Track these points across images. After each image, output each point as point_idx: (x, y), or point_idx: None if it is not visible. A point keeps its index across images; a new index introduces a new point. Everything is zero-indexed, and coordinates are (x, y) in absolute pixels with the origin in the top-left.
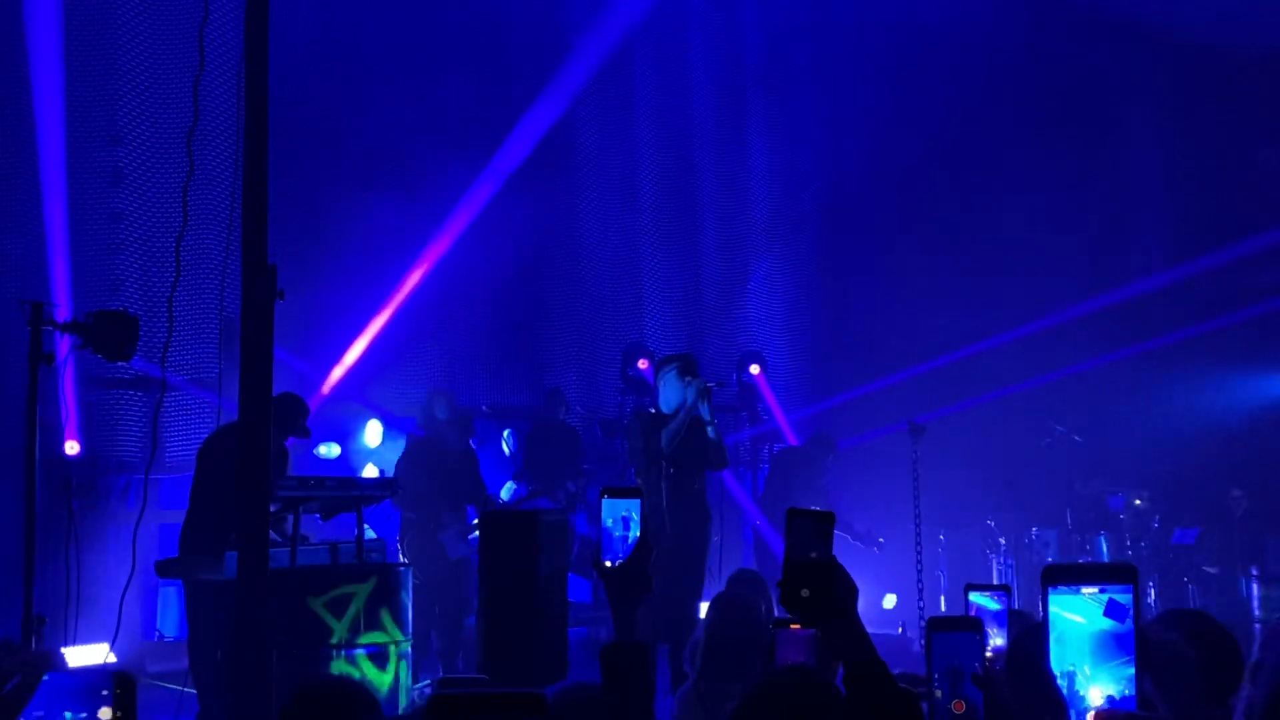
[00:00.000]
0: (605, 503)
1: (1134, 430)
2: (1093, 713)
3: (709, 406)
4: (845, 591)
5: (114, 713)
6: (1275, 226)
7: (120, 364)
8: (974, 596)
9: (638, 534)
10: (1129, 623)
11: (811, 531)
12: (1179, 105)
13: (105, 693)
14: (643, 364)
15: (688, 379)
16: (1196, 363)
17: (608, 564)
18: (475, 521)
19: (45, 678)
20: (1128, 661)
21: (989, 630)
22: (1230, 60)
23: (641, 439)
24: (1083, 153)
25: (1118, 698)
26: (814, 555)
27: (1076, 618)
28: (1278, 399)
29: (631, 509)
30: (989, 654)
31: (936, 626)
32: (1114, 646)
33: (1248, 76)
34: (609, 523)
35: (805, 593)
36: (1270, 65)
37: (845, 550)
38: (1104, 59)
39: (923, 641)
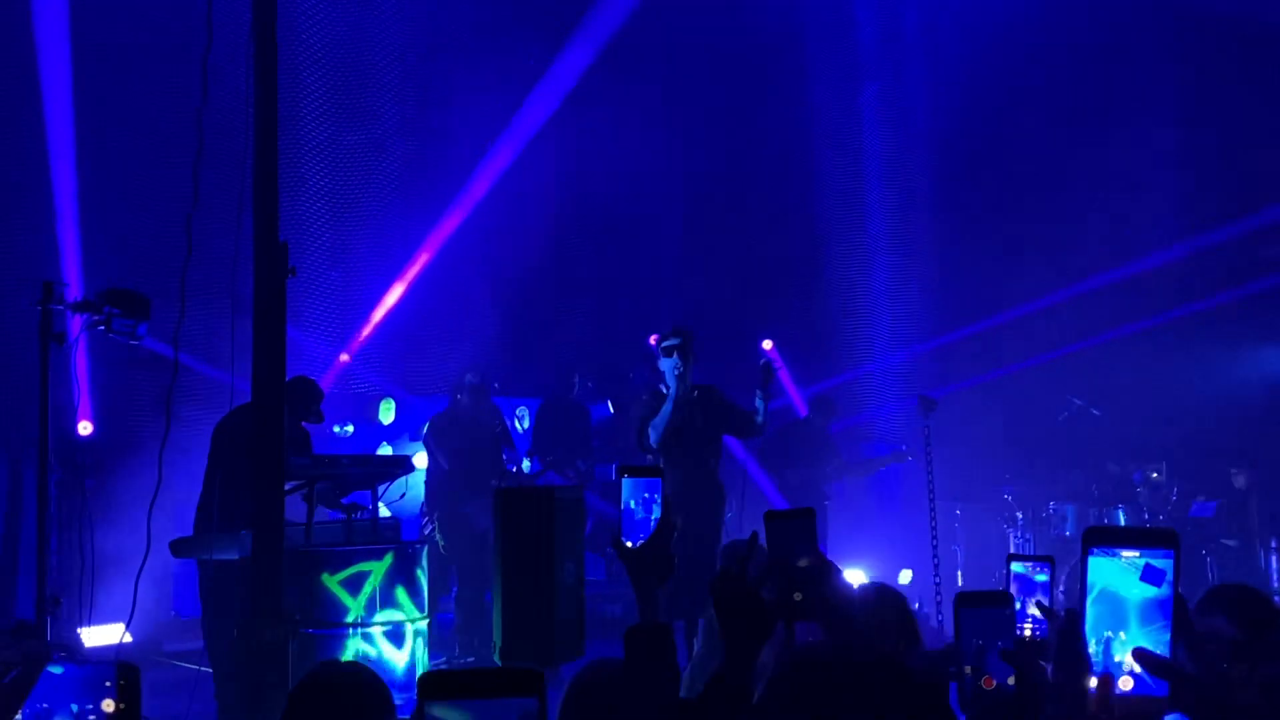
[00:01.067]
0: (626, 482)
1: (1151, 403)
2: (1129, 653)
3: (762, 391)
4: (835, 589)
5: (117, 704)
6: None
7: (132, 343)
8: (1016, 566)
9: (659, 514)
10: (1166, 588)
11: (793, 532)
12: (1195, 78)
13: (109, 684)
14: (653, 339)
15: (674, 360)
16: (1214, 335)
17: (629, 545)
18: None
19: (48, 669)
20: (1165, 627)
21: (1029, 600)
22: (1248, 30)
23: (640, 421)
24: (1097, 128)
25: None
26: (803, 558)
27: (1118, 581)
28: None
29: (653, 489)
30: (1029, 626)
31: (965, 602)
32: (1155, 611)
33: (1265, 47)
34: (631, 504)
35: (798, 596)
36: None
37: (868, 519)
38: (1119, 32)
39: (940, 616)
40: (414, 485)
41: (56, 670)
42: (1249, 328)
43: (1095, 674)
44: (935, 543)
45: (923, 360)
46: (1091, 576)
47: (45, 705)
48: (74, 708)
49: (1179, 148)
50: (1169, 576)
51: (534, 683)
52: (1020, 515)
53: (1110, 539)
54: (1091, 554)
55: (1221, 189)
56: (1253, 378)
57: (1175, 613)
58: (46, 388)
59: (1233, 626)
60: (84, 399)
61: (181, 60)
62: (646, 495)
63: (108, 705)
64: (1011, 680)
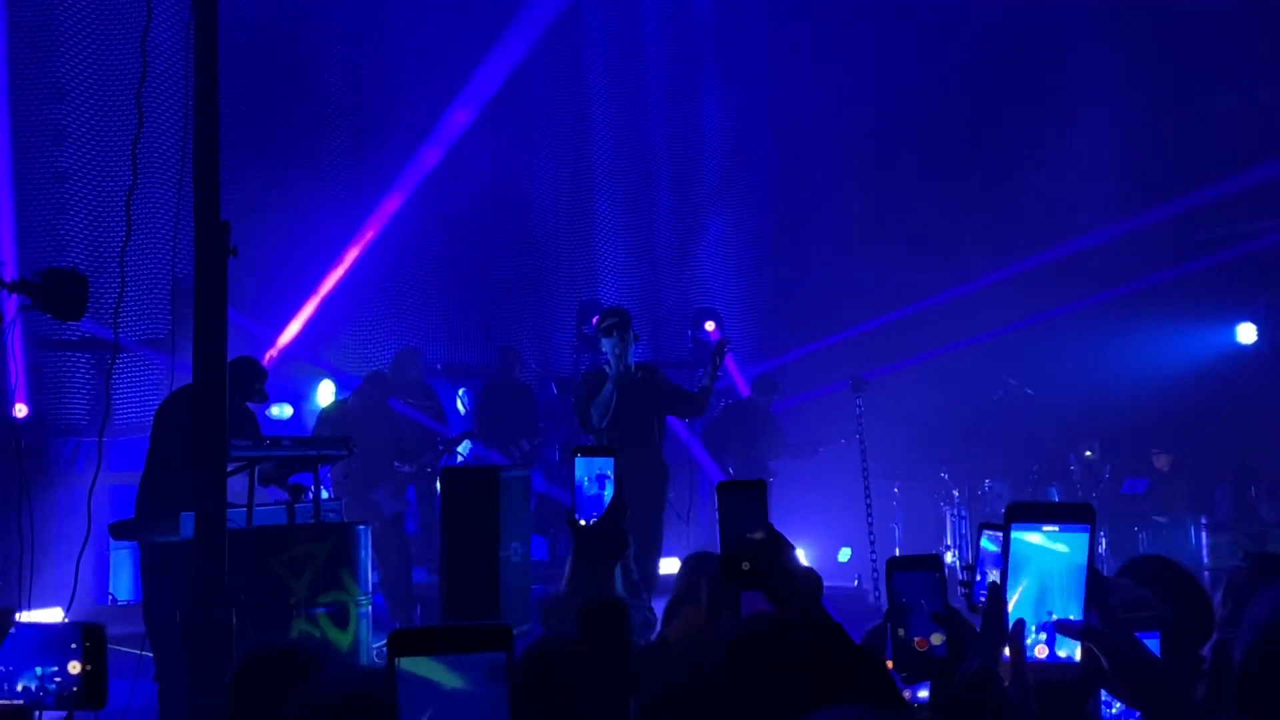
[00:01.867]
0: (579, 461)
1: (1083, 382)
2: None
3: (711, 370)
4: (786, 560)
5: (83, 665)
6: (1221, 180)
7: (68, 325)
8: (985, 542)
9: (611, 493)
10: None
11: (745, 502)
12: (1128, 58)
13: (74, 645)
14: (596, 321)
15: (613, 340)
16: (1146, 316)
17: (582, 523)
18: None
19: (12, 632)
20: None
21: (987, 570)
22: (1182, 9)
23: (583, 401)
24: (1030, 107)
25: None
26: (753, 528)
27: (1058, 558)
28: (1224, 350)
29: (605, 468)
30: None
31: (896, 566)
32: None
33: (1199, 26)
34: (585, 481)
35: (746, 565)
36: (1221, 14)
37: (810, 494)
38: (1053, 10)
39: (878, 593)
40: None
41: (20, 633)
42: (1180, 309)
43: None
44: (871, 520)
45: (860, 341)
46: (1019, 553)
47: (9, 668)
48: (38, 670)
49: (1112, 130)
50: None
51: (503, 637)
52: (956, 493)
53: (1031, 515)
54: (1014, 529)
55: (1154, 171)
56: (1184, 358)
57: (1089, 581)
58: None
59: (1156, 598)
60: (20, 381)
61: (119, 37)
62: (599, 473)
63: (74, 667)
64: (942, 641)
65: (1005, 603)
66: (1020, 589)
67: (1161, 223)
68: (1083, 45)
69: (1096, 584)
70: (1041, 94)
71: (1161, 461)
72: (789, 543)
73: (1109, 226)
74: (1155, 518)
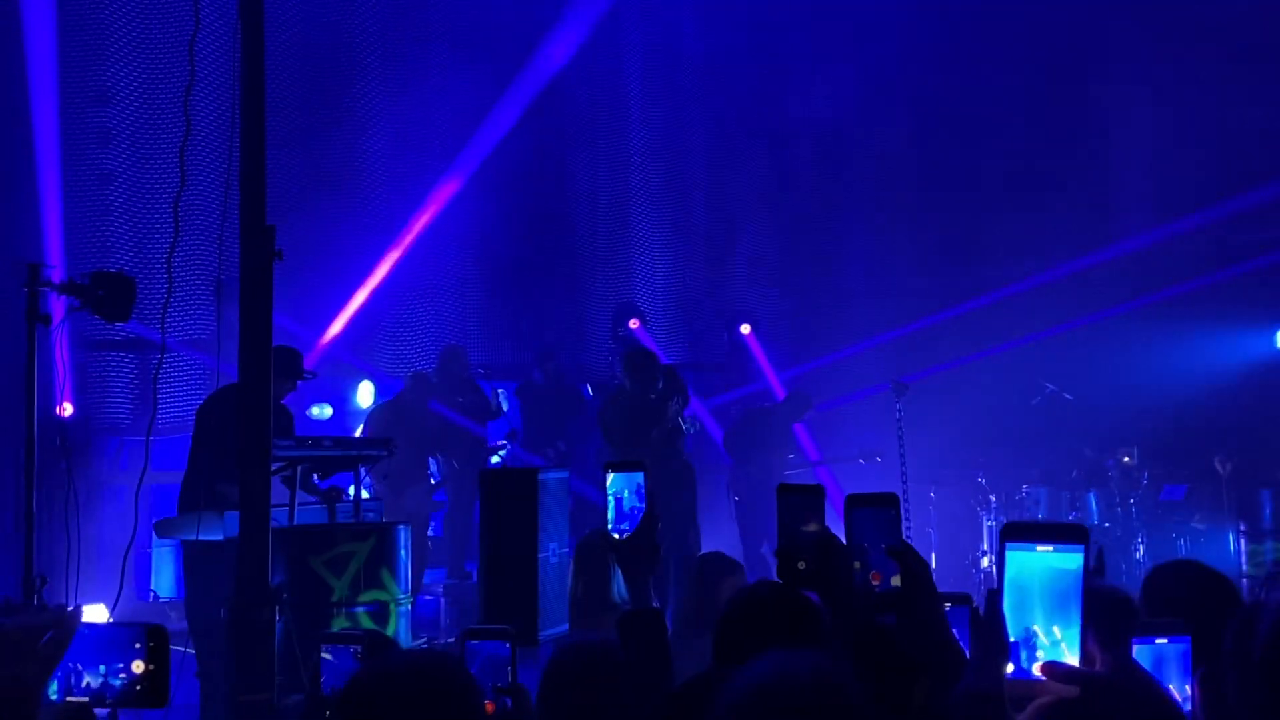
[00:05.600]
0: (613, 476)
1: (1122, 387)
2: (1039, 664)
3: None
4: (841, 562)
5: (146, 665)
6: (1262, 184)
7: (114, 326)
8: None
9: (644, 505)
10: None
11: (803, 505)
12: (1167, 61)
13: (138, 645)
14: (633, 324)
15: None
16: (1187, 320)
17: (616, 536)
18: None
19: (79, 630)
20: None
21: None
22: (1221, 14)
23: (610, 427)
24: (1069, 109)
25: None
26: (811, 528)
27: (1046, 575)
28: (1264, 356)
29: (640, 480)
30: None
31: (854, 504)
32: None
33: (1238, 30)
34: (624, 495)
35: (801, 565)
36: (1260, 19)
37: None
38: (1092, 12)
39: None
40: None
41: (85, 632)
42: (1222, 313)
43: (1013, 659)
44: (909, 525)
45: (899, 345)
46: (1012, 569)
47: (75, 665)
48: (102, 669)
49: (1153, 133)
50: (1081, 569)
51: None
52: (993, 498)
53: (1025, 534)
54: (1009, 548)
55: (1194, 175)
56: (1226, 363)
57: (1084, 605)
58: (33, 370)
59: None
60: (66, 381)
61: (167, 42)
62: (635, 485)
63: (137, 666)
64: (896, 579)
65: (1004, 617)
66: (1047, 613)
67: (1202, 227)
68: (1125, 49)
69: (1091, 608)
70: (1083, 97)
71: (1223, 467)
72: (845, 546)
73: (1148, 231)
74: (1194, 524)
